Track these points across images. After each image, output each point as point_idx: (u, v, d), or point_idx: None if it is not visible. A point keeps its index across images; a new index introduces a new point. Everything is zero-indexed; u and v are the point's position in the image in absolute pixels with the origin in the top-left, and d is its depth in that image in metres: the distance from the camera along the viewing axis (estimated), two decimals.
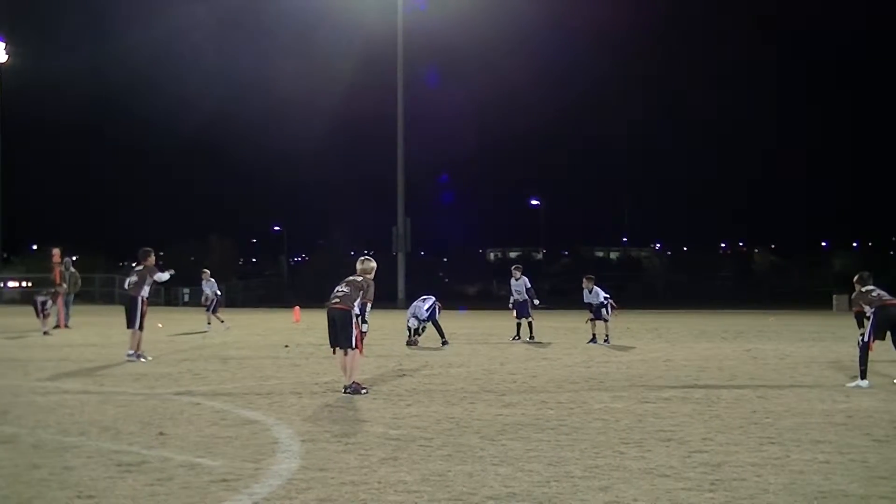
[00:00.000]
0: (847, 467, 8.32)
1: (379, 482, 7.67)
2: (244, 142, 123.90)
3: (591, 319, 23.79)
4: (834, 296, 54.93)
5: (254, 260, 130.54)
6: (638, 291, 76.06)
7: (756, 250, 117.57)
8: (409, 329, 23.18)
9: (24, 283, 74.88)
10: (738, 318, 41.71)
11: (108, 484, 7.58)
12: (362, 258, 14.28)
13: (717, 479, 7.78)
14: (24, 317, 31.71)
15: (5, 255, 79.92)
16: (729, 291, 74.21)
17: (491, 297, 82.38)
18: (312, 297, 63.68)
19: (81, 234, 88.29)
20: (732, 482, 7.70)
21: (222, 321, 29.77)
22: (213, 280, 30.35)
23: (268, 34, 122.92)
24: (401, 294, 60.35)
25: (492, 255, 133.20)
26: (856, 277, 15.23)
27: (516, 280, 25.48)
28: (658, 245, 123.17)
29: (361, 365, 14.53)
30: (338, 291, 13.62)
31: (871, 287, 14.89)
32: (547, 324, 32.15)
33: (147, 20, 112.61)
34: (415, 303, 23.77)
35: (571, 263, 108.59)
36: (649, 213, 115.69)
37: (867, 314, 14.64)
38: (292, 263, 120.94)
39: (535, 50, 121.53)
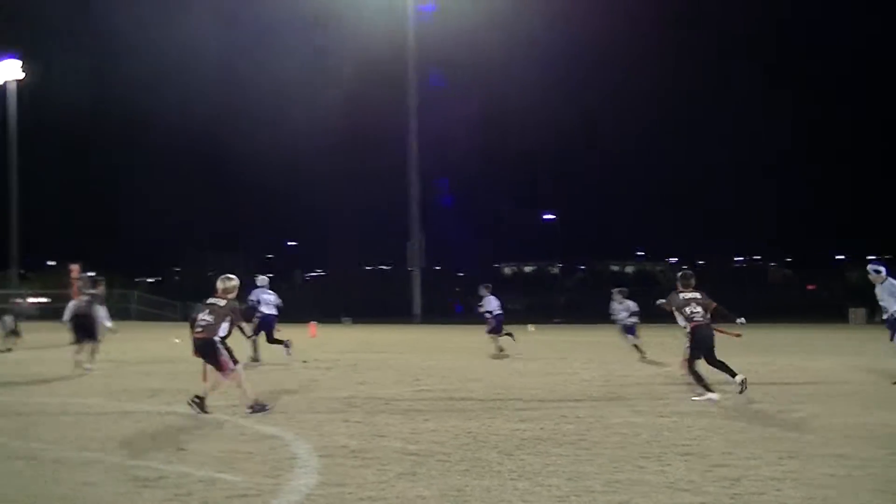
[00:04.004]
0: (868, 482, 8.27)
1: (397, 497, 7.67)
2: (259, 157, 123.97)
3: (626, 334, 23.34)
4: (850, 309, 54.66)
5: (270, 275, 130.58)
6: (653, 306, 75.37)
7: (772, 264, 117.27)
8: None
9: (41, 299, 75.11)
10: (754, 333, 41.55)
11: (127, 499, 7.61)
12: (223, 277, 13.57)
13: (736, 494, 7.76)
14: (42, 332, 31.80)
15: (22, 272, 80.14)
16: (744, 306, 73.85)
17: (506, 312, 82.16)
18: (328, 312, 63.75)
19: (98, 250, 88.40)
20: (752, 496, 7.68)
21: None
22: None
23: (280, 55, 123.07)
24: (416, 309, 60.36)
25: (507, 270, 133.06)
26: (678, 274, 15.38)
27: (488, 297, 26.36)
28: (674, 259, 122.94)
29: (382, 379, 14.49)
30: (200, 321, 13.08)
31: (693, 294, 14.93)
32: (564, 338, 32.15)
33: (165, 39, 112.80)
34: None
35: (587, 278, 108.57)
36: (665, 227, 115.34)
37: (683, 326, 14.75)
38: (307, 279, 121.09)
39: (550, 62, 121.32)
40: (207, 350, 12.99)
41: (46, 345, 27.82)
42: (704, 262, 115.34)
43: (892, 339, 16.84)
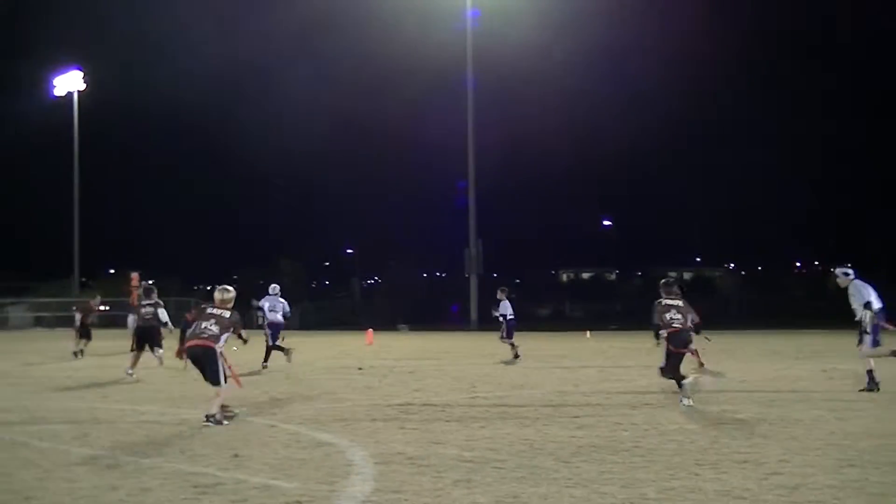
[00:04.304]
0: None
1: None
2: (315, 165, 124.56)
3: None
4: None
5: (326, 282, 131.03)
6: (710, 312, 75.01)
7: (832, 269, 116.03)
8: None
9: (101, 307, 75.97)
10: (813, 338, 41.07)
11: None
12: (220, 288, 13.66)
13: (793, 502, 7.68)
14: (101, 340, 32.14)
15: (83, 279, 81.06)
16: (803, 311, 73.12)
17: (563, 318, 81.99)
18: (385, 319, 63.86)
19: (157, 258, 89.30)
20: None
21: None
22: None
23: (336, 63, 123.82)
24: (473, 315, 60.25)
25: (564, 277, 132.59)
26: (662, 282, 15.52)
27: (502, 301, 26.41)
28: (732, 265, 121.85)
29: (438, 386, 14.49)
30: (206, 329, 13.07)
31: (675, 302, 15.07)
32: (620, 345, 32.00)
33: (228, 49, 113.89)
34: None
35: (644, 284, 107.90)
36: (724, 232, 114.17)
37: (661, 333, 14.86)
38: (364, 286, 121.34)
39: (606, 71, 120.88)
40: (208, 357, 12.95)
41: (106, 352, 28.13)
42: (762, 267, 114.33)
43: (859, 344, 16.60)
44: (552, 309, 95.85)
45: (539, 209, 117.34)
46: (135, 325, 21.85)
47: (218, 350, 12.95)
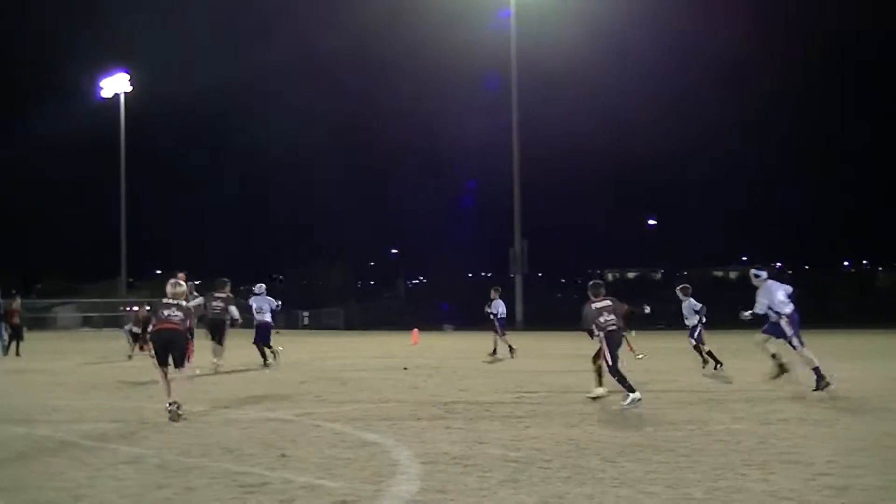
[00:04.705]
0: None
1: None
2: (360, 165, 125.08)
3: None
4: None
5: (371, 283, 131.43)
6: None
7: (880, 269, 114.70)
8: None
9: (147, 308, 76.59)
10: (862, 338, 40.70)
11: None
12: (173, 282, 14.12)
13: None
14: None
15: (130, 280, 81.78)
16: (851, 311, 72.36)
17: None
18: (430, 319, 63.93)
19: (204, 258, 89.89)
20: None
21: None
22: None
23: (378, 67, 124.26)
24: (518, 316, 60.15)
25: (609, 276, 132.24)
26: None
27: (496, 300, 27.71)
28: (779, 264, 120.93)
29: (483, 386, 14.48)
30: (173, 315, 13.54)
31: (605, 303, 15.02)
32: (665, 345, 31.81)
33: (269, 51, 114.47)
34: None
35: (689, 283, 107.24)
36: (773, 231, 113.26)
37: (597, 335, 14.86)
38: (409, 286, 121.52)
39: (651, 71, 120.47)
40: (180, 341, 13.45)
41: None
42: (810, 266, 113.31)
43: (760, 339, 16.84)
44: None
45: (584, 209, 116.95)
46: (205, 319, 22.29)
47: (186, 335, 13.54)
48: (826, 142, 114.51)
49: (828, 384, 15.49)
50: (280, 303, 24.68)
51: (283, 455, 10.02)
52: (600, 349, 14.87)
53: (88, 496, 8.06)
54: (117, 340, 29.81)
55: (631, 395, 14.11)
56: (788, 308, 16.22)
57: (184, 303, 13.91)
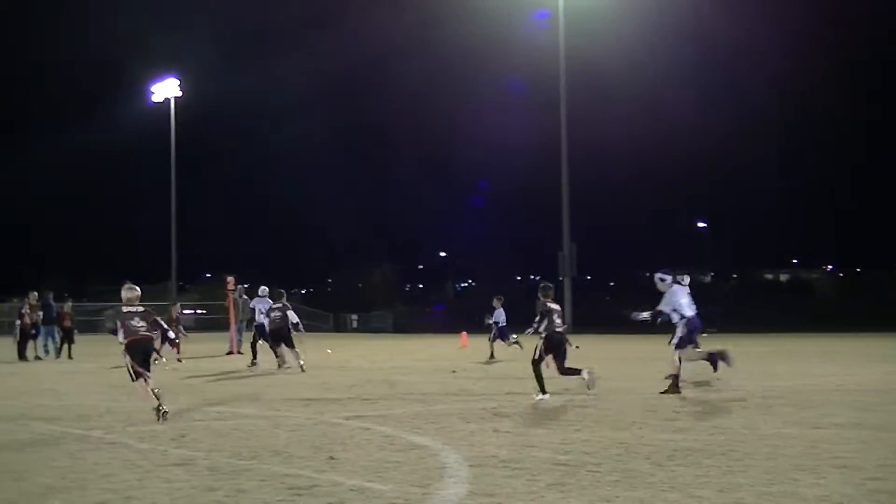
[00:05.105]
0: None
1: None
2: (408, 169, 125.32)
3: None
4: None
5: (420, 286, 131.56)
6: (808, 314, 73.86)
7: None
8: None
9: (198, 311, 77.35)
10: None
11: None
12: (128, 287, 14.18)
13: None
14: (197, 343, 32.61)
15: (180, 284, 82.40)
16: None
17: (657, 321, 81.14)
18: (479, 322, 63.82)
19: (254, 262, 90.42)
20: None
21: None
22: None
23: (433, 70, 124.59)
24: (567, 319, 59.92)
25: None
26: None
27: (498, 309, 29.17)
28: (831, 267, 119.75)
29: (531, 389, 14.46)
30: (139, 324, 13.68)
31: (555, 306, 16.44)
32: (716, 347, 31.52)
33: (317, 53, 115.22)
34: None
35: (740, 286, 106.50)
36: (825, 233, 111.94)
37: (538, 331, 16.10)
38: (458, 289, 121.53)
39: (702, 71, 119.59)
40: (151, 347, 14.12)
41: (204, 354, 28.49)
42: (861, 269, 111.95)
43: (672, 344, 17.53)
44: (648, 311, 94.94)
45: (633, 210, 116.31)
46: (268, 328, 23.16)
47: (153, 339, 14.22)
48: (883, 143, 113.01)
49: (677, 392, 16.35)
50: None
51: (332, 458, 10.04)
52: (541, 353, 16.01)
53: (138, 497, 8.11)
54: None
55: (541, 395, 15.39)
56: (691, 311, 17.16)
57: (141, 308, 14.04)
